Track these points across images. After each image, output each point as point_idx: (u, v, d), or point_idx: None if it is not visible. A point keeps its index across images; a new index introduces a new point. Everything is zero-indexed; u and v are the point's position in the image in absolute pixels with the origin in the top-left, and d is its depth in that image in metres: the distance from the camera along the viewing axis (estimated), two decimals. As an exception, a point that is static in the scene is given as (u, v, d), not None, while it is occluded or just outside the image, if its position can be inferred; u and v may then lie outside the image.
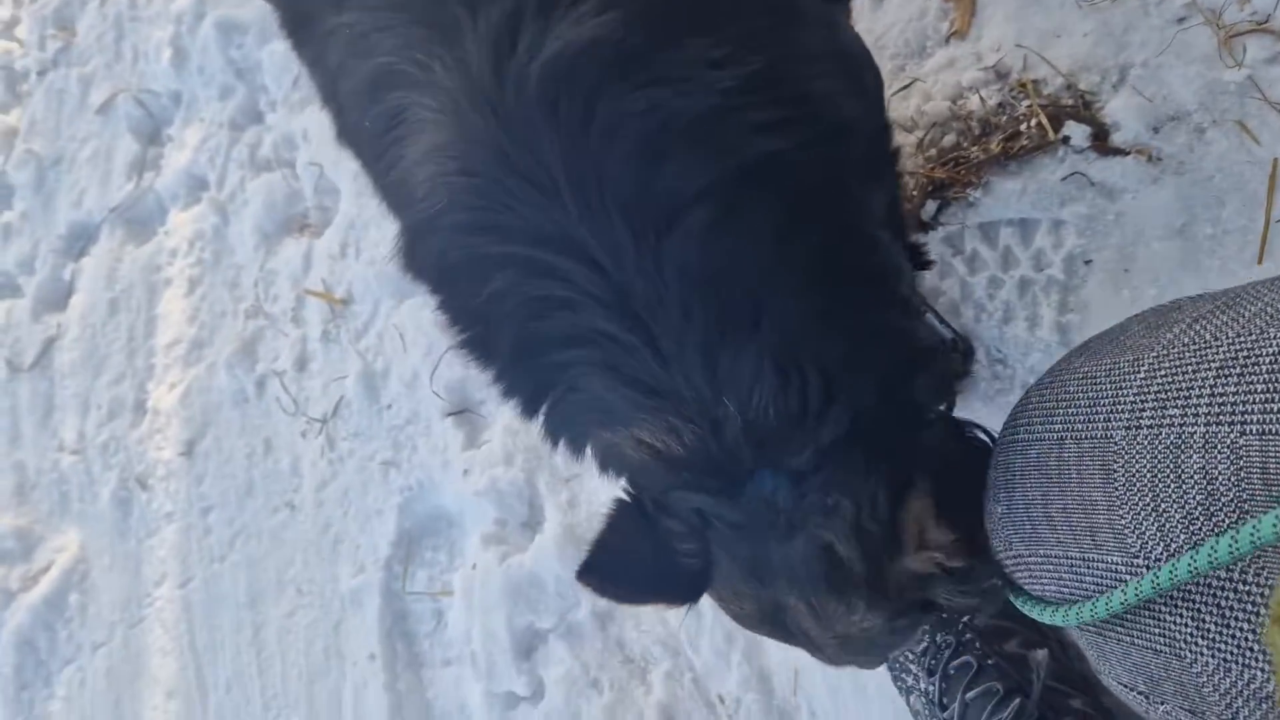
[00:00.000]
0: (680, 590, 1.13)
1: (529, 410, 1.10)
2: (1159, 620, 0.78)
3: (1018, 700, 1.40)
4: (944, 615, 1.58)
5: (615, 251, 0.93)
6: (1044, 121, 1.68)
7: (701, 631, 1.91)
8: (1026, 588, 0.93)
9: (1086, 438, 0.86)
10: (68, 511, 3.01)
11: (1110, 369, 0.87)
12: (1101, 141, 1.65)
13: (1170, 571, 0.73)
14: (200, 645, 2.60)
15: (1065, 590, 0.87)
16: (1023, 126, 1.71)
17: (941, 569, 1.03)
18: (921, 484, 1.02)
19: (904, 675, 1.60)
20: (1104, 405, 0.85)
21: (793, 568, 1.04)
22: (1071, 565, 0.86)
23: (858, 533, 1.01)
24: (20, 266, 3.37)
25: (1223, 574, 0.73)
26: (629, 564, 1.11)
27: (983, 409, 1.69)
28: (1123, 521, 0.79)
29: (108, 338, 3.08)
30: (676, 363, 0.96)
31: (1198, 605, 0.75)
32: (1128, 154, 1.63)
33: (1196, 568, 0.71)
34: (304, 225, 2.83)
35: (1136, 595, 0.76)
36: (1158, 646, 0.78)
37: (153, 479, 2.84)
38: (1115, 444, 0.82)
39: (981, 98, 1.77)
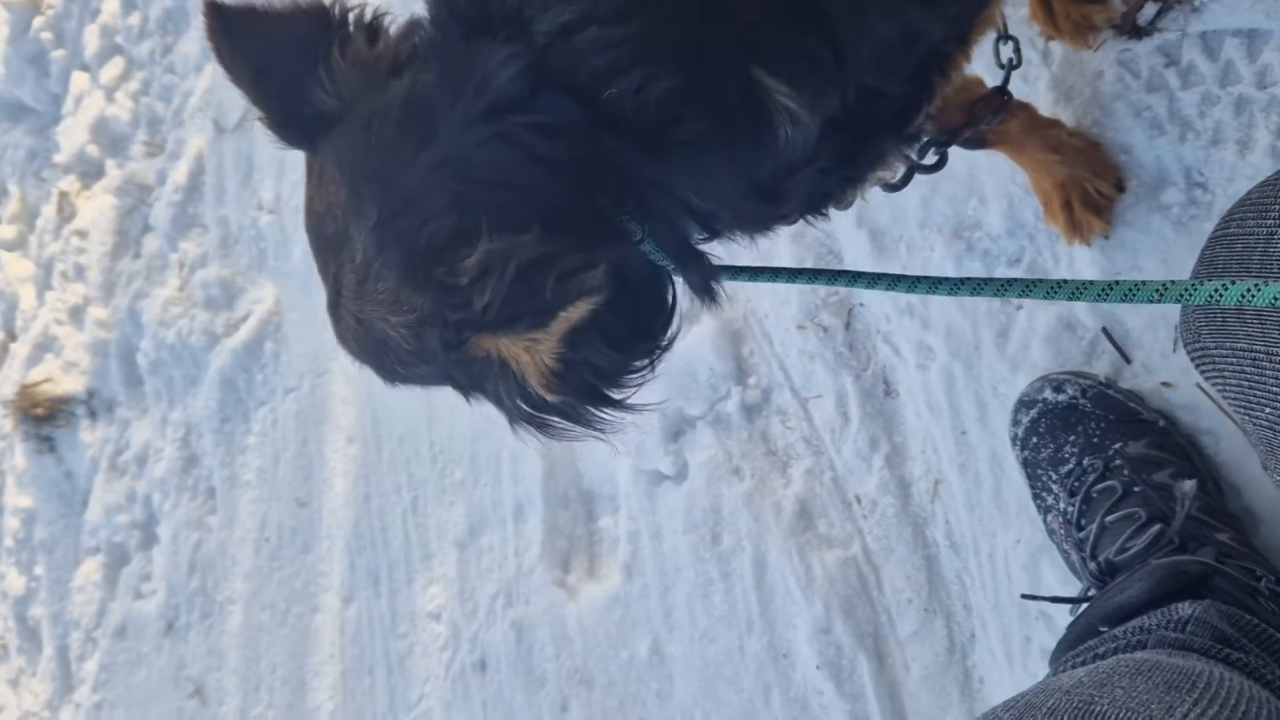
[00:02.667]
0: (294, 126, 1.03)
1: None
2: None
3: (1158, 527, 1.39)
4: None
5: None
6: (1297, -83, 1.50)
7: (846, 434, 1.95)
8: (1205, 375, 0.95)
9: None
10: (264, 266, 3.26)
11: None
12: (1363, -57, 1.46)
13: None
14: (378, 400, 2.81)
15: (1246, 383, 0.88)
16: (1271, -78, 1.52)
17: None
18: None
19: (1044, 494, 1.60)
20: None
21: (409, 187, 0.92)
22: (1255, 359, 0.87)
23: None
24: (226, 30, 3.51)
25: None
26: (272, 54, 1.01)
27: (1173, 235, 1.60)
28: None
29: (303, 105, 3.22)
30: None
31: None
32: (1392, -41, 1.44)
33: None
34: None
35: None
36: None
37: (340, 243, 3.02)
38: None
39: (1228, -113, 1.58)
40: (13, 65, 4.24)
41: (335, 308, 1.01)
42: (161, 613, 3.33)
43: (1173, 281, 0.81)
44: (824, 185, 1.10)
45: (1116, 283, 0.85)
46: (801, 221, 1.17)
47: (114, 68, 3.93)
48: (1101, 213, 1.62)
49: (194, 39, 3.64)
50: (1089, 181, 1.60)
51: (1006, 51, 1.44)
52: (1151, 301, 0.81)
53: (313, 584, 2.93)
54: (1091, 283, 0.87)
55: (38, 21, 4.20)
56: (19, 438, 3.89)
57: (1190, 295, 0.79)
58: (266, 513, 3.09)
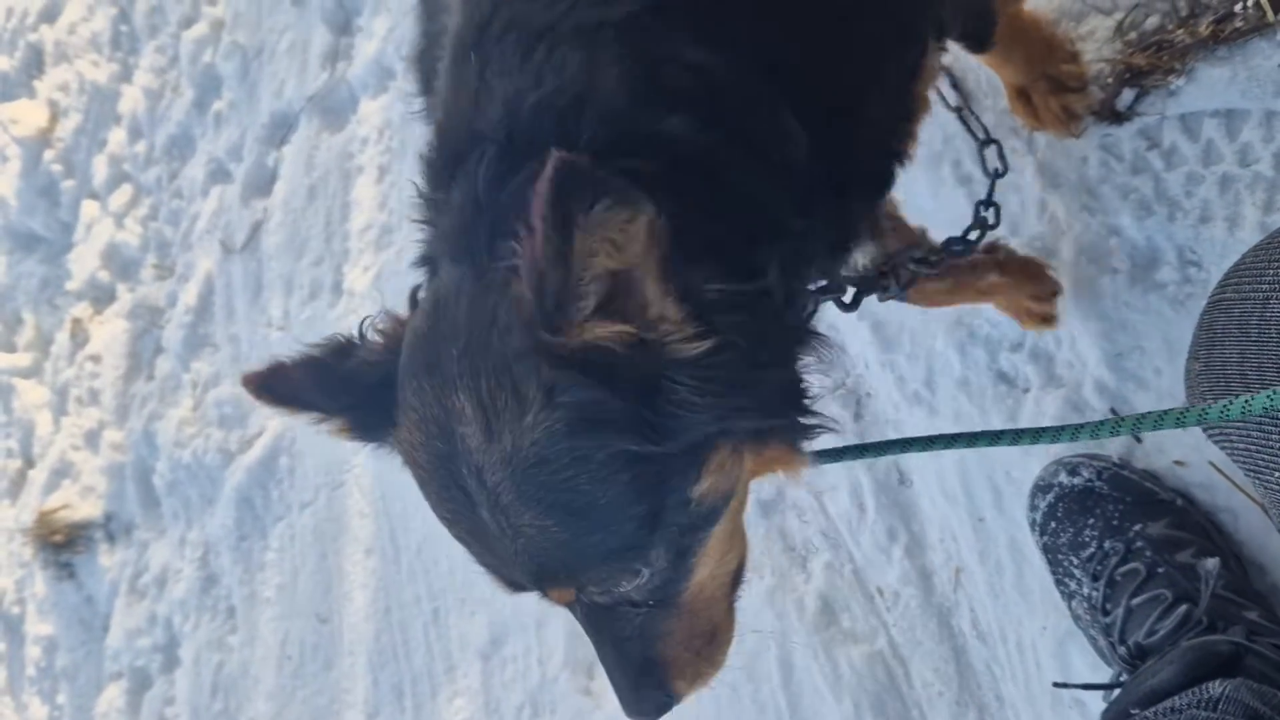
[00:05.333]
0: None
1: None
2: None
3: (1185, 607, 1.37)
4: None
5: None
6: (1263, 1, 1.54)
7: (863, 525, 1.94)
8: (1214, 442, 0.96)
9: None
10: (277, 383, 3.28)
11: None
12: (1329, 23, 1.50)
13: None
14: (394, 511, 2.81)
15: (1254, 448, 0.89)
16: (1237, 7, 1.57)
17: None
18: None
19: (1067, 580, 1.58)
20: None
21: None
22: (1260, 423, 0.89)
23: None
24: (230, 153, 3.60)
25: None
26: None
27: (1172, 314, 1.61)
28: None
29: (307, 222, 3.28)
30: None
31: None
32: (1360, 36, 1.48)
33: None
34: (485, 114, 2.90)
35: None
36: None
37: (350, 356, 3.05)
38: None
39: (1193, -25, 1.63)
40: (25, 198, 4.35)
41: (476, 504, 0.96)
42: (186, 737, 3.29)
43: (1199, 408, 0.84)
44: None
45: (1185, 411, 0.88)
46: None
47: (122, 195, 4.02)
48: (1049, 321, 1.69)
49: (199, 164, 3.73)
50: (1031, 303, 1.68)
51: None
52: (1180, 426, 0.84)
53: (337, 701, 2.90)
54: (1145, 415, 0.91)
55: (48, 154, 4.31)
56: (38, 565, 3.89)
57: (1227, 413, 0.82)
58: (288, 630, 3.07)
